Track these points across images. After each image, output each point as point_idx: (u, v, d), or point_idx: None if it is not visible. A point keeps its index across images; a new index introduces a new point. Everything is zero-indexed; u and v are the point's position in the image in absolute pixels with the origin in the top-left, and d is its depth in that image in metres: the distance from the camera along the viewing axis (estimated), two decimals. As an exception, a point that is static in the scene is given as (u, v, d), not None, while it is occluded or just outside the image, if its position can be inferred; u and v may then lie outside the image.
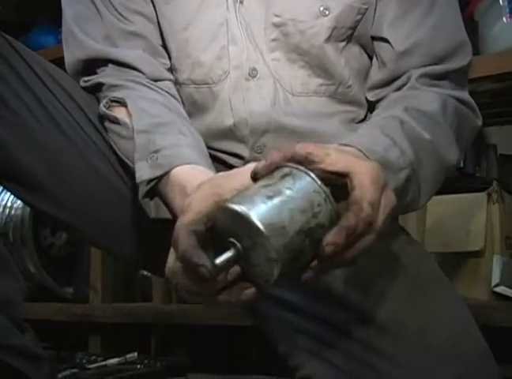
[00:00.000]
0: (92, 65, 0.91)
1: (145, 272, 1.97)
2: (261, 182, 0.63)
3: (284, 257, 0.59)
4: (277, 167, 0.64)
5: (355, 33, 0.90)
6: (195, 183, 0.69)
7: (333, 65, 0.89)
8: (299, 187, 0.61)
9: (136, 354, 1.64)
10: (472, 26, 1.50)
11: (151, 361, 1.63)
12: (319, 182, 0.62)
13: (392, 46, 0.87)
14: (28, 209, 2.06)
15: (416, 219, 1.48)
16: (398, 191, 0.70)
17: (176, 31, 0.91)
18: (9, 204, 2.10)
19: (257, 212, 0.59)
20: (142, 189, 0.79)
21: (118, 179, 0.88)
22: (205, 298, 0.63)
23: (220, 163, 0.92)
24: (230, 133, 0.90)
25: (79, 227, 0.92)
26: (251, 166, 0.67)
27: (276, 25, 0.88)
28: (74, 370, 1.56)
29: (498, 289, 1.35)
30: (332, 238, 0.59)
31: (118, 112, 0.86)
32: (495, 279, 1.36)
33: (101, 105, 0.87)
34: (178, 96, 0.92)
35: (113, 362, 1.62)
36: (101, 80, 0.90)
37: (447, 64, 0.86)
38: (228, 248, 0.60)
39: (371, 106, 0.92)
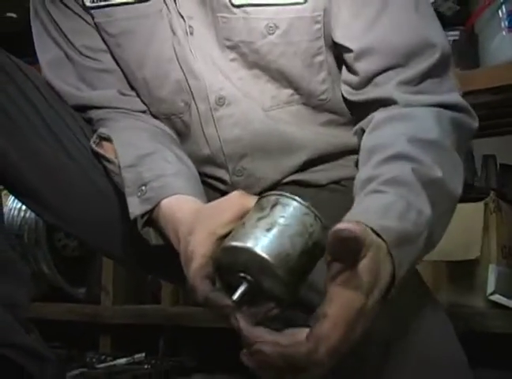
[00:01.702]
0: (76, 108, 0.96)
1: (155, 275, 2.02)
2: (254, 215, 0.67)
3: (293, 280, 0.65)
4: (262, 196, 0.68)
5: (324, 43, 0.87)
6: (182, 216, 0.75)
7: (297, 78, 0.88)
8: (290, 214, 0.66)
9: (143, 354, 1.69)
10: (472, 39, 1.52)
11: (158, 361, 1.68)
12: (306, 204, 0.66)
13: (349, 49, 0.85)
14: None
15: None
16: (417, 258, 0.69)
17: (133, 72, 0.94)
18: (24, 207, 2.14)
19: (263, 246, 0.64)
20: (139, 222, 0.83)
21: (118, 195, 0.91)
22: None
23: (207, 187, 0.94)
24: (209, 160, 0.93)
25: (80, 236, 0.98)
26: (232, 196, 0.72)
27: (230, 48, 0.88)
28: (84, 369, 1.61)
29: (494, 297, 1.37)
30: (268, 350, 0.60)
31: (106, 149, 0.90)
32: (491, 287, 1.38)
33: (91, 142, 0.92)
34: (160, 123, 0.95)
35: (121, 362, 1.67)
36: (89, 115, 0.95)
37: (416, 64, 0.82)
38: (240, 282, 0.66)
39: (352, 106, 0.89)
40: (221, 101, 0.90)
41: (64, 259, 2.16)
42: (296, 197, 0.67)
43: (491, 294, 1.38)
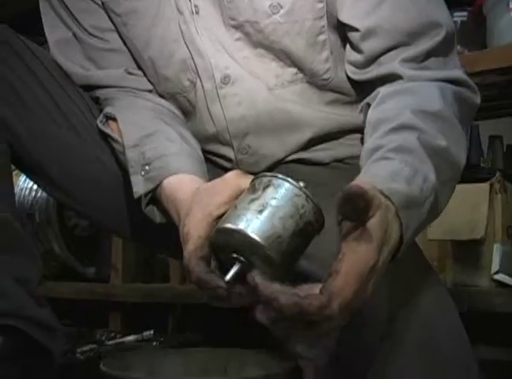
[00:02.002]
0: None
1: (164, 254, 2.05)
2: (247, 197, 0.68)
3: (285, 260, 0.66)
4: (256, 178, 0.70)
5: (327, 22, 0.88)
6: (182, 197, 0.76)
7: (300, 58, 0.89)
8: (282, 195, 0.67)
9: (152, 331, 1.71)
10: (480, 20, 1.52)
11: (166, 338, 1.70)
12: (298, 186, 0.67)
13: (355, 28, 0.86)
14: (53, 192, 2.13)
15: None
16: (423, 223, 0.71)
17: (139, 51, 0.95)
18: (35, 186, 2.15)
19: (254, 227, 0.66)
20: (143, 201, 0.85)
21: (124, 173, 0.93)
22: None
23: (213, 164, 0.96)
24: (214, 138, 0.95)
25: (88, 213, 1.00)
26: (228, 176, 0.73)
27: (235, 27, 0.89)
28: (93, 346, 1.64)
29: (498, 276, 1.38)
30: (283, 302, 0.60)
31: (112, 128, 0.92)
32: (495, 266, 1.39)
33: (98, 121, 0.94)
34: (165, 102, 0.96)
35: (130, 339, 1.70)
36: (96, 94, 0.97)
37: (421, 43, 0.83)
38: (233, 263, 0.67)
39: (357, 85, 0.90)
40: (226, 79, 0.91)
41: (74, 238, 2.19)
42: (289, 179, 0.68)
43: (496, 273, 1.39)
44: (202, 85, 0.92)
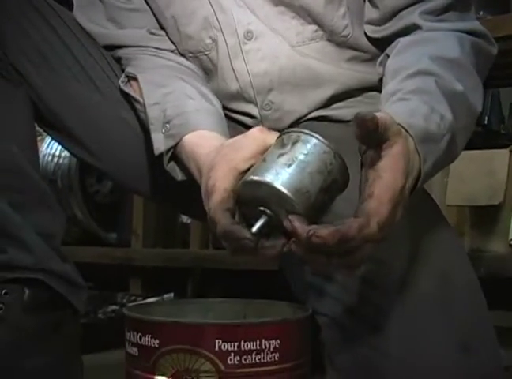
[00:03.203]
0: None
1: (185, 219, 2.07)
2: (275, 151, 0.69)
3: (310, 216, 0.66)
4: (284, 133, 0.70)
5: None
6: (203, 152, 0.77)
7: (320, 15, 0.90)
8: (311, 151, 0.67)
9: (172, 294, 1.74)
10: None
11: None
12: (326, 142, 0.67)
13: None
14: (75, 158, 2.16)
15: (439, 173, 1.52)
16: (440, 159, 0.72)
17: (161, 10, 0.96)
18: (57, 153, 2.18)
19: (283, 180, 0.66)
20: (165, 158, 0.86)
21: (147, 132, 0.93)
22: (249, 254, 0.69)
23: (235, 122, 0.97)
24: (237, 95, 0.95)
25: (111, 173, 1.02)
26: (253, 131, 0.73)
27: None
28: (115, 307, 1.67)
29: (515, 242, 1.40)
30: (324, 233, 0.62)
31: (134, 88, 0.93)
32: (513, 232, 1.40)
33: (120, 81, 0.95)
34: (186, 61, 0.97)
35: (151, 301, 1.73)
36: (118, 54, 0.98)
37: None
38: (259, 215, 0.68)
39: (376, 43, 0.92)
40: (249, 35, 0.92)
41: (96, 204, 2.22)
42: (317, 135, 0.68)
43: (513, 239, 1.40)
44: (226, 41, 0.93)
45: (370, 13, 0.90)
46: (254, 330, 0.66)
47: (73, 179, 2.17)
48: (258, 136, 0.73)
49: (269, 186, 0.66)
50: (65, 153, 2.18)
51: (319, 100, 0.95)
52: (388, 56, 0.86)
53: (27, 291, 0.93)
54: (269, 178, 0.66)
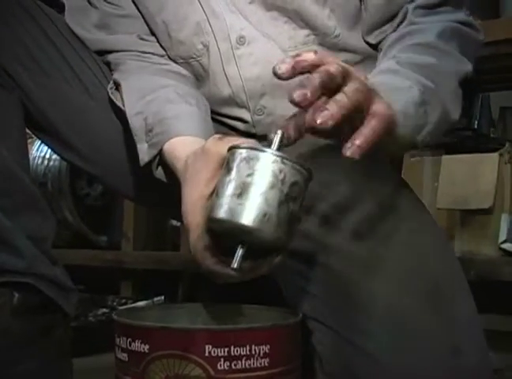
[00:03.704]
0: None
1: (175, 222, 2.07)
2: (223, 179, 0.67)
3: (283, 230, 0.66)
4: (229, 149, 0.68)
5: None
6: (181, 159, 0.78)
7: (314, 17, 0.90)
8: (256, 168, 0.65)
9: (162, 297, 1.74)
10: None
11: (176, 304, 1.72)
12: (269, 151, 0.65)
13: None
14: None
15: (429, 176, 1.53)
16: (418, 105, 0.74)
17: (152, 16, 0.96)
18: (47, 155, 2.17)
19: (238, 214, 0.64)
20: (153, 167, 0.86)
21: None
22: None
23: (228, 128, 0.97)
24: (229, 100, 0.95)
25: (101, 177, 1.02)
26: (207, 146, 0.73)
27: None
28: (105, 310, 1.67)
29: (505, 246, 1.40)
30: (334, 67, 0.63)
31: (120, 94, 0.93)
32: (503, 236, 1.41)
33: (108, 88, 0.95)
34: (175, 65, 0.97)
35: (141, 305, 1.72)
36: (107, 59, 0.98)
37: None
38: (235, 248, 0.67)
39: (375, 48, 0.93)
40: (242, 40, 0.92)
41: (87, 207, 2.21)
42: (258, 146, 0.66)
43: (503, 242, 1.41)
44: (218, 46, 0.93)
45: (368, 18, 0.91)
46: (244, 335, 0.65)
47: (64, 182, 2.16)
48: (213, 151, 0.73)
49: (227, 222, 0.65)
50: (56, 156, 2.17)
51: None
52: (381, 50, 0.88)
53: (16, 295, 0.92)
54: (224, 215, 0.65)
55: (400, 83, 0.74)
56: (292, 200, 0.66)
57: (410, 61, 0.78)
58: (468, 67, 0.83)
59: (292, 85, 0.91)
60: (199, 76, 0.97)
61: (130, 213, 2.05)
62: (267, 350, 0.66)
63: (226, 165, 0.68)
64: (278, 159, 0.65)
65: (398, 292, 0.78)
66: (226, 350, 0.64)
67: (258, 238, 0.66)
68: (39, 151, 2.19)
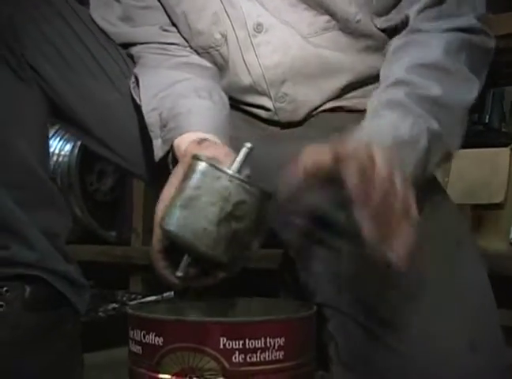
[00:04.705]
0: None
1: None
2: (178, 189, 0.70)
3: (221, 247, 0.67)
4: (192, 159, 0.70)
5: None
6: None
7: (333, 3, 0.90)
8: (203, 182, 0.67)
9: (172, 292, 1.74)
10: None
11: (186, 299, 1.72)
12: (217, 167, 0.66)
13: None
14: (74, 156, 2.16)
15: (440, 171, 1.52)
16: (422, 159, 0.74)
17: (172, 7, 0.96)
18: (56, 151, 2.18)
19: (179, 226, 0.67)
20: (169, 162, 0.86)
21: None
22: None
23: (250, 116, 0.97)
24: (250, 88, 0.95)
25: (130, 168, 1.03)
26: (185, 159, 0.75)
27: None
28: (115, 305, 1.67)
29: (517, 241, 1.40)
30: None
31: (138, 91, 0.93)
32: (514, 231, 1.41)
33: (130, 82, 0.96)
34: (195, 57, 0.97)
35: (151, 300, 1.72)
36: (130, 52, 0.99)
37: None
38: (182, 256, 0.70)
39: (388, 34, 0.92)
40: (259, 28, 0.92)
41: (96, 203, 2.22)
42: (213, 162, 0.67)
43: (515, 237, 1.40)
44: (236, 35, 0.93)
45: (377, 1, 0.90)
46: (259, 328, 0.65)
47: (73, 177, 2.17)
48: (190, 156, 0.74)
49: (171, 233, 0.68)
50: (65, 151, 2.18)
51: (333, 90, 0.95)
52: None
53: (28, 289, 0.93)
54: (169, 225, 0.68)
55: (409, 130, 0.74)
56: (236, 219, 0.67)
57: (418, 94, 0.77)
58: (475, 92, 0.82)
59: (312, 70, 0.93)
60: (220, 66, 0.97)
61: (139, 208, 2.04)
62: (282, 343, 0.66)
63: (186, 173, 0.69)
64: (225, 176, 0.66)
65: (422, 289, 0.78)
66: (241, 342, 0.64)
67: (197, 252, 0.67)
68: (49, 147, 2.19)
